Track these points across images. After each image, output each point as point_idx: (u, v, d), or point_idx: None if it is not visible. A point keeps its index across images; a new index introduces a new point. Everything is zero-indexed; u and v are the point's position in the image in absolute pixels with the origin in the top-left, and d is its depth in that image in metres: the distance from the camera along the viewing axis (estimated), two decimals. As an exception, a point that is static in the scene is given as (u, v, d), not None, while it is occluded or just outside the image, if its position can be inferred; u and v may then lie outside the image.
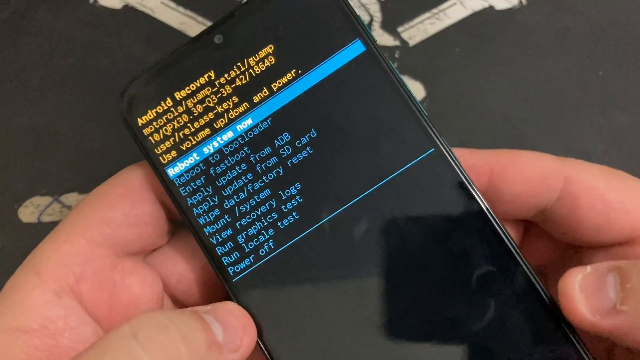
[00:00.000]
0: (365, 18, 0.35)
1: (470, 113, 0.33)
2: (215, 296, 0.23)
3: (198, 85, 0.20)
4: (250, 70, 0.20)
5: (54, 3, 0.37)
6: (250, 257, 0.20)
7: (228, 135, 0.20)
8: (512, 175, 0.20)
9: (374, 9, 0.36)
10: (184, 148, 0.20)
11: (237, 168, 0.20)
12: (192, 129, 0.20)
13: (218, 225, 0.20)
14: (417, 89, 0.34)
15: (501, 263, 0.19)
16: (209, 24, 0.36)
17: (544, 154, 0.21)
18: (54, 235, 0.20)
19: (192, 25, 0.36)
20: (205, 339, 0.18)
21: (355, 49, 0.20)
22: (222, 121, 0.20)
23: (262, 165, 0.20)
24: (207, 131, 0.20)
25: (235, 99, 0.20)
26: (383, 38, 0.35)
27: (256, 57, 0.20)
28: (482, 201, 0.20)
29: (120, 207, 0.20)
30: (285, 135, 0.20)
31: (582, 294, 0.18)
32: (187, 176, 0.20)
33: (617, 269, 0.18)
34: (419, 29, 0.35)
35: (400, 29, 0.35)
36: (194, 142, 0.20)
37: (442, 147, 0.20)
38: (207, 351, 0.18)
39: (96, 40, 0.36)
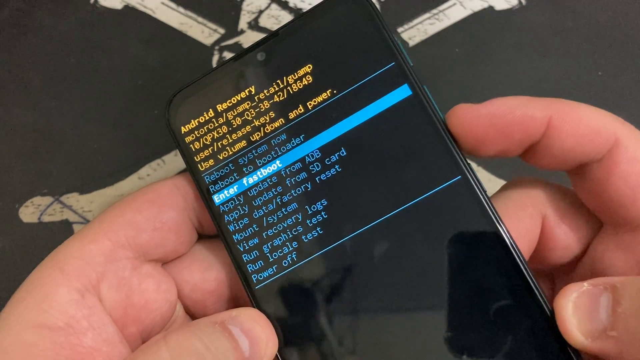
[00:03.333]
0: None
1: (470, 113, 0.33)
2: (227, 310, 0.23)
3: (239, 99, 0.21)
4: (289, 87, 0.21)
5: (55, 3, 0.37)
6: (273, 267, 0.21)
7: (262, 148, 0.21)
8: (567, 130, 0.19)
9: (374, 9, 0.36)
10: (221, 157, 0.21)
11: (268, 180, 0.21)
12: (230, 140, 0.21)
13: (246, 233, 0.21)
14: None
15: (518, 296, 0.19)
16: (209, 24, 0.36)
17: (602, 111, 0.20)
18: (80, 234, 0.21)
19: (192, 25, 0.36)
20: (236, 359, 0.18)
21: (389, 70, 0.21)
22: (258, 134, 0.21)
23: (292, 180, 0.21)
24: (243, 143, 0.21)
25: (272, 114, 0.21)
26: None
27: (295, 76, 0.21)
28: (505, 230, 0.20)
29: (147, 211, 0.21)
30: (316, 152, 0.21)
31: (575, 315, 0.18)
32: (222, 184, 0.21)
33: (611, 288, 0.18)
34: (419, 30, 0.35)
35: (400, 29, 0.35)
36: (230, 153, 0.21)
37: (469, 175, 0.20)
38: None
39: (96, 40, 0.36)
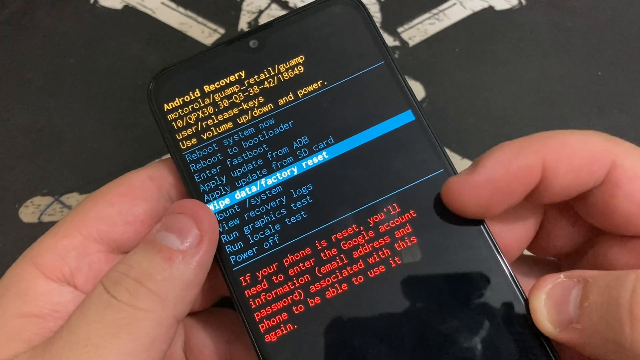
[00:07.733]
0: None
1: (470, 113, 0.33)
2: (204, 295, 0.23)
3: (227, 81, 0.22)
4: (280, 75, 0.21)
5: (55, 3, 0.37)
6: (254, 249, 0.21)
7: (249, 131, 0.21)
8: (563, 168, 0.19)
9: (373, 9, 0.36)
10: (205, 137, 0.21)
11: (253, 163, 0.21)
12: (216, 121, 0.21)
13: (227, 213, 0.21)
14: (417, 89, 0.34)
15: (499, 294, 0.20)
16: (209, 24, 0.36)
17: (591, 134, 0.20)
18: (54, 229, 0.21)
19: (192, 25, 0.36)
20: (162, 259, 0.18)
21: (379, 68, 0.21)
22: (245, 117, 0.21)
23: (278, 163, 0.21)
24: (229, 124, 0.21)
25: (261, 99, 0.21)
26: (383, 38, 0.35)
27: (286, 65, 0.22)
28: (484, 224, 0.20)
29: (119, 204, 0.21)
30: (304, 138, 0.21)
31: (547, 305, 0.19)
32: (203, 164, 0.21)
33: (583, 281, 0.18)
34: (419, 30, 0.35)
35: (400, 30, 0.36)
36: (215, 133, 0.21)
37: (451, 168, 0.21)
38: (172, 266, 0.18)
39: (96, 40, 0.36)
